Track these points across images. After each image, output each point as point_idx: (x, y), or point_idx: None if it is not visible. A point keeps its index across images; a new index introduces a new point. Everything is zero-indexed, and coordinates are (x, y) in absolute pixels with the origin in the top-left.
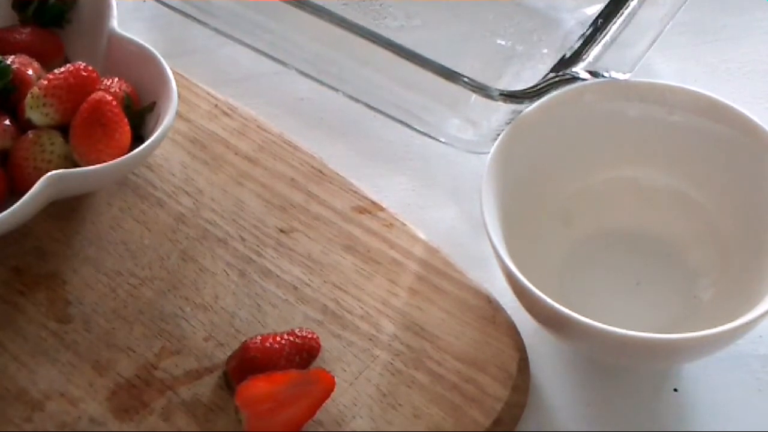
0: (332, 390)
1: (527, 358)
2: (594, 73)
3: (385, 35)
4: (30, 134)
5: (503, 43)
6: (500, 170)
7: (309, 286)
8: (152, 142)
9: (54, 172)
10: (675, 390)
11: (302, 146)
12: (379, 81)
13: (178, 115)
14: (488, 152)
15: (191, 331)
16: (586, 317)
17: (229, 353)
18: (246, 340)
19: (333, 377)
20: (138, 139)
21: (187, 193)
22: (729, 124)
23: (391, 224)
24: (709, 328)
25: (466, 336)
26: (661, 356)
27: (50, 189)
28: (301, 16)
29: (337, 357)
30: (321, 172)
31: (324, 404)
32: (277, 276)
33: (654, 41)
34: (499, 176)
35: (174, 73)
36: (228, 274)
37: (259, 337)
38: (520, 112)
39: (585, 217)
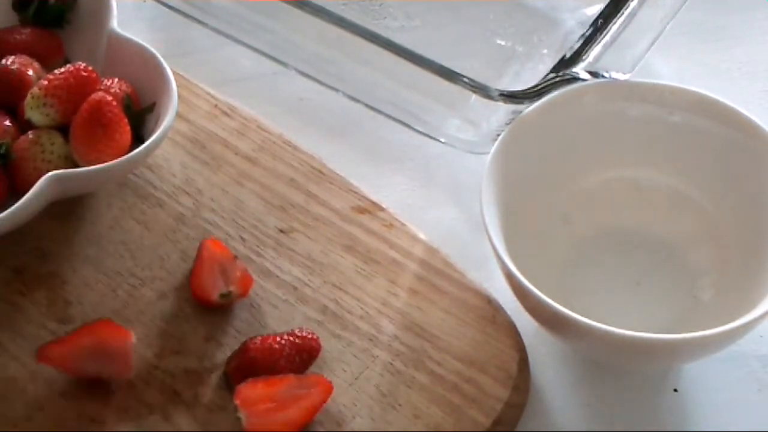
0: (330, 393)
1: (527, 358)
2: (594, 73)
3: (385, 35)
4: (30, 134)
5: (503, 43)
6: (500, 170)
7: (309, 286)
8: (152, 142)
9: (54, 172)
10: (675, 390)
11: (302, 146)
12: (379, 81)
13: (178, 115)
14: (488, 152)
15: (191, 331)
16: (586, 317)
17: (229, 353)
18: (246, 341)
19: (330, 382)
20: (138, 139)
21: (187, 193)
22: (729, 124)
23: (391, 224)
24: (709, 328)
25: (466, 336)
26: (661, 356)
27: (50, 189)
28: (301, 16)
29: (337, 357)
30: (321, 172)
31: (323, 405)
32: (277, 276)
33: (654, 41)
34: (499, 176)
35: (174, 73)
36: None
37: (260, 338)
38: (520, 112)
39: (585, 217)
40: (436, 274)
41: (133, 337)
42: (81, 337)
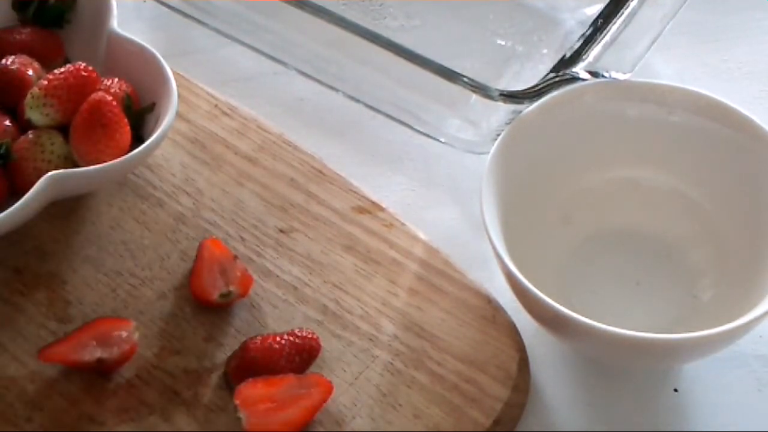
0: (330, 393)
1: (527, 358)
2: (594, 73)
3: (385, 35)
4: (30, 134)
5: (503, 43)
6: (500, 170)
7: (309, 286)
8: (152, 142)
9: (54, 172)
10: (675, 390)
11: (302, 146)
12: (379, 81)
13: (178, 115)
14: (488, 152)
15: (191, 331)
16: (586, 317)
17: (229, 353)
18: (246, 340)
19: (330, 382)
20: (138, 139)
21: (187, 193)
22: (729, 124)
23: (391, 224)
24: (709, 328)
25: (466, 336)
26: (661, 356)
27: (50, 189)
28: (301, 16)
29: (337, 357)
30: (321, 172)
31: (323, 406)
32: (277, 276)
33: (654, 41)
34: (499, 176)
35: (174, 73)
36: None
37: (259, 338)
38: (520, 112)
39: (585, 217)
40: (436, 274)
41: (134, 324)
42: (82, 332)
